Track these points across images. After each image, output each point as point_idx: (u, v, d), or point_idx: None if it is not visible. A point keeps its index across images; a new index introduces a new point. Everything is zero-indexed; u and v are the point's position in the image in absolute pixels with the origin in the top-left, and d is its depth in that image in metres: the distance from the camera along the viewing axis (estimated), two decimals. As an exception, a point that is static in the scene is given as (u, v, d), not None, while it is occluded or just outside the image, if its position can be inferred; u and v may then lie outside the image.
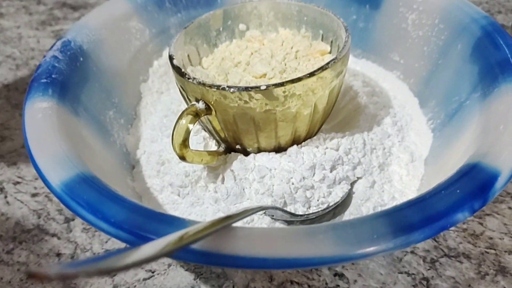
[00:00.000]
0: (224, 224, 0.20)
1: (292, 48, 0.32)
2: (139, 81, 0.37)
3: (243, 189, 0.28)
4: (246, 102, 0.26)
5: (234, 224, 0.20)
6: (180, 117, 0.26)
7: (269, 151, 0.30)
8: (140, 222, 0.20)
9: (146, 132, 0.34)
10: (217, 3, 0.40)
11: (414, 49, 0.36)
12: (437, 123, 0.32)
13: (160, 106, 0.36)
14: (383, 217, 0.19)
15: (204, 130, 0.31)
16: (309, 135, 0.30)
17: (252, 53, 0.32)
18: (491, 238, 0.29)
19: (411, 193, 0.30)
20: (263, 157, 0.29)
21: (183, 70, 0.27)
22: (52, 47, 0.32)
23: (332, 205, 0.28)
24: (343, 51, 0.27)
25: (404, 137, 0.32)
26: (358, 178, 0.29)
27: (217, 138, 0.30)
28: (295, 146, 0.29)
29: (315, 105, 0.28)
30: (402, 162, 0.31)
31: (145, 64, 0.38)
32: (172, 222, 0.20)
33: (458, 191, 0.20)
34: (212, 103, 0.27)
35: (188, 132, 0.26)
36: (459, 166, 0.23)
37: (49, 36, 0.52)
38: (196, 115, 0.27)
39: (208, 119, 0.28)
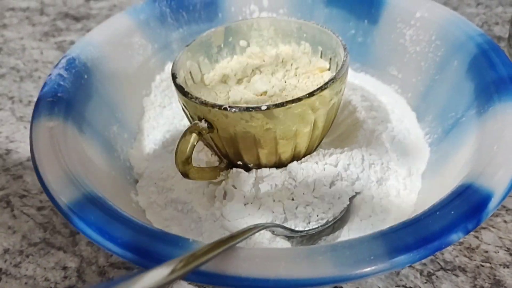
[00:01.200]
0: (229, 245, 0.20)
1: (292, 65, 0.33)
2: (142, 95, 0.38)
3: (244, 205, 0.29)
4: (247, 121, 0.27)
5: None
6: (183, 135, 0.27)
7: (270, 166, 0.30)
8: (146, 243, 0.21)
9: (149, 146, 0.35)
10: (218, 18, 0.40)
11: (411, 64, 0.36)
12: (434, 138, 0.33)
13: (163, 120, 0.37)
14: (379, 238, 0.20)
15: (207, 146, 0.32)
16: (309, 151, 0.31)
17: (253, 70, 0.33)
18: (486, 252, 0.30)
19: (409, 208, 0.30)
20: (264, 173, 0.30)
21: (185, 89, 0.28)
22: (57, 64, 0.32)
23: (331, 221, 0.29)
24: (341, 71, 0.28)
25: (402, 151, 0.33)
26: (357, 193, 0.30)
27: (219, 154, 0.31)
28: (295, 162, 0.30)
29: (315, 123, 0.28)
30: (400, 176, 0.32)
31: (148, 79, 0.38)
32: (177, 243, 0.21)
33: (452, 212, 0.21)
34: (215, 121, 0.27)
35: (191, 150, 0.27)
36: (455, 183, 0.24)
37: (52, 47, 0.53)
38: (199, 134, 0.27)
39: (210, 137, 0.29)
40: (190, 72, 0.33)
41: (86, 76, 0.33)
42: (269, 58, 0.34)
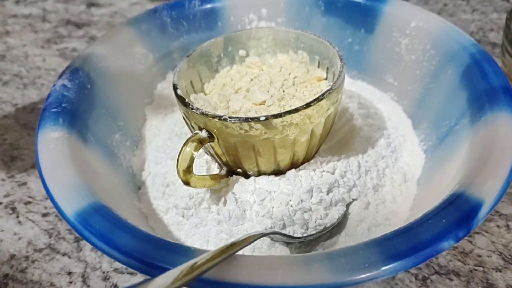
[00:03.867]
0: (230, 253, 0.21)
1: (290, 74, 0.34)
2: (144, 103, 0.39)
3: (244, 211, 0.30)
4: (246, 131, 0.27)
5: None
6: (184, 145, 0.28)
7: (269, 174, 0.31)
8: (150, 251, 0.22)
9: (151, 154, 0.36)
10: (218, 27, 0.41)
11: (407, 72, 0.37)
12: (429, 144, 0.34)
13: (164, 127, 0.38)
14: (373, 246, 0.21)
15: (207, 154, 0.33)
16: (307, 159, 0.32)
17: (251, 79, 0.34)
18: (479, 256, 0.31)
19: (404, 213, 0.31)
20: (263, 180, 0.31)
21: (186, 100, 0.29)
22: (61, 75, 0.33)
23: (328, 227, 0.30)
24: (338, 81, 0.29)
25: (398, 158, 0.34)
26: (353, 199, 0.31)
27: (219, 162, 0.32)
28: (293, 169, 0.31)
29: (312, 132, 0.29)
30: (396, 183, 0.33)
31: (150, 87, 0.39)
32: (180, 251, 0.22)
33: (443, 220, 0.22)
34: (215, 131, 0.28)
35: (192, 159, 0.28)
36: (449, 190, 0.25)
37: (55, 54, 0.53)
38: (200, 143, 0.28)
39: (211, 146, 0.30)
40: (191, 82, 0.34)
41: (89, 86, 0.33)
42: (267, 67, 0.35)
